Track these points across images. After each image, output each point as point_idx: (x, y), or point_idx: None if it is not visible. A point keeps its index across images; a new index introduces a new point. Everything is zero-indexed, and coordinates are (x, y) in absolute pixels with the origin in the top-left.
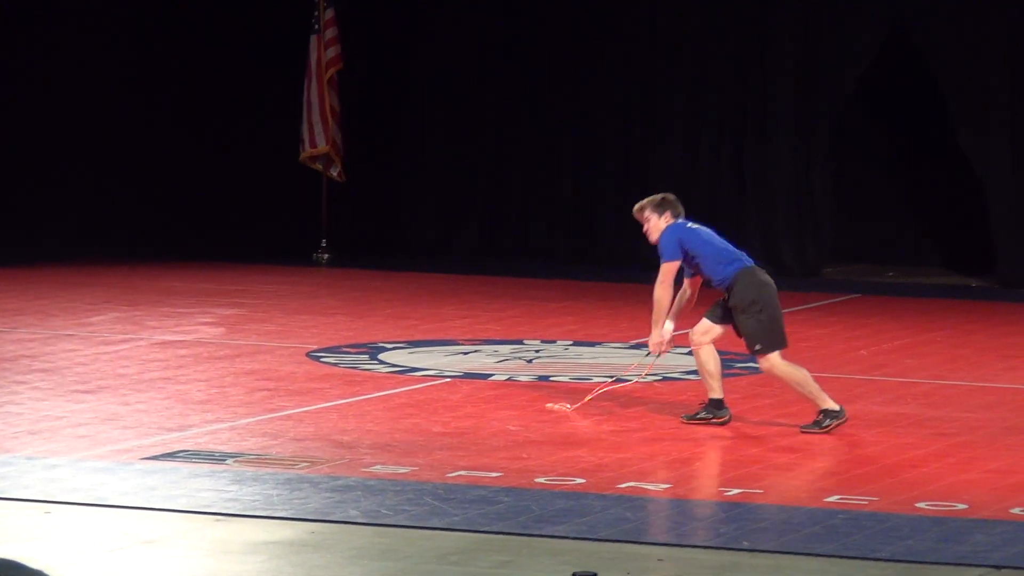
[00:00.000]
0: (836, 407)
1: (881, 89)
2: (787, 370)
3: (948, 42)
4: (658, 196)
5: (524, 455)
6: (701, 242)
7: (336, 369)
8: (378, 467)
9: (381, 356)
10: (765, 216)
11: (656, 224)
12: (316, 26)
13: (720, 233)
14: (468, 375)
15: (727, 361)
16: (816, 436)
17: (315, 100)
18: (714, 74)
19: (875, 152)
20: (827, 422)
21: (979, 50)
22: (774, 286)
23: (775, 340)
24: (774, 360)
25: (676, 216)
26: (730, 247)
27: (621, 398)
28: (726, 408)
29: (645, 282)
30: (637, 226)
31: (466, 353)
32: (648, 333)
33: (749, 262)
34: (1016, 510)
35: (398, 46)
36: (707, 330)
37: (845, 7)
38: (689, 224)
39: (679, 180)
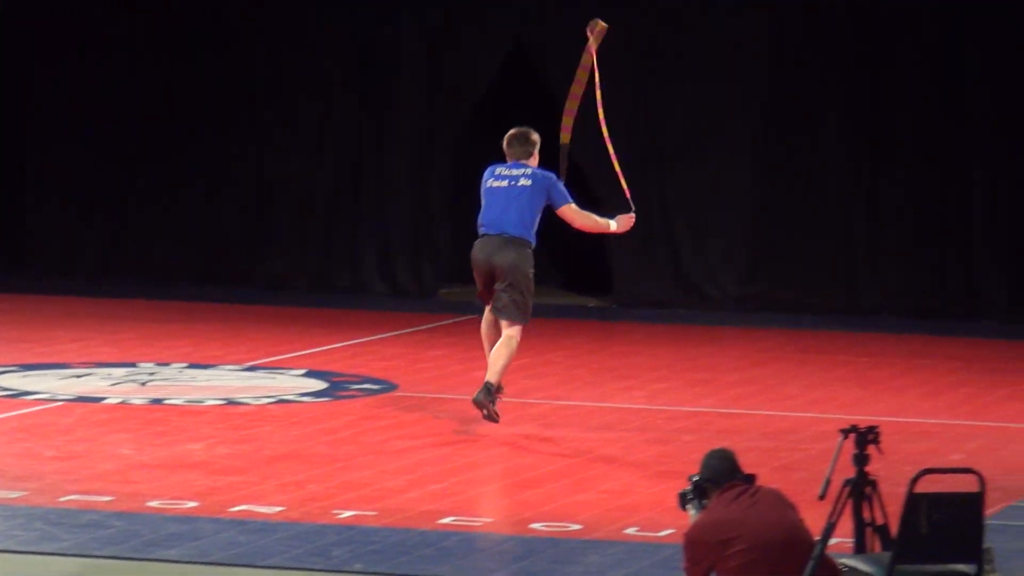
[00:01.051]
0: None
1: (500, 107)
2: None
3: (567, 59)
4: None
5: (136, 479)
6: (483, 191)
7: None
8: None
9: None
10: (382, 236)
11: None
12: None
13: (511, 194)
14: (81, 398)
15: (343, 383)
16: (432, 457)
17: None
18: (336, 91)
19: None
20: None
21: (599, 67)
22: (475, 255)
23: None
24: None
25: (507, 156)
26: (489, 212)
27: (234, 420)
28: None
29: (264, 303)
30: (260, 246)
31: (79, 376)
32: None
33: (484, 230)
34: (630, 530)
35: (18, 58)
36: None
37: (466, 24)
38: (497, 168)
39: (301, 196)
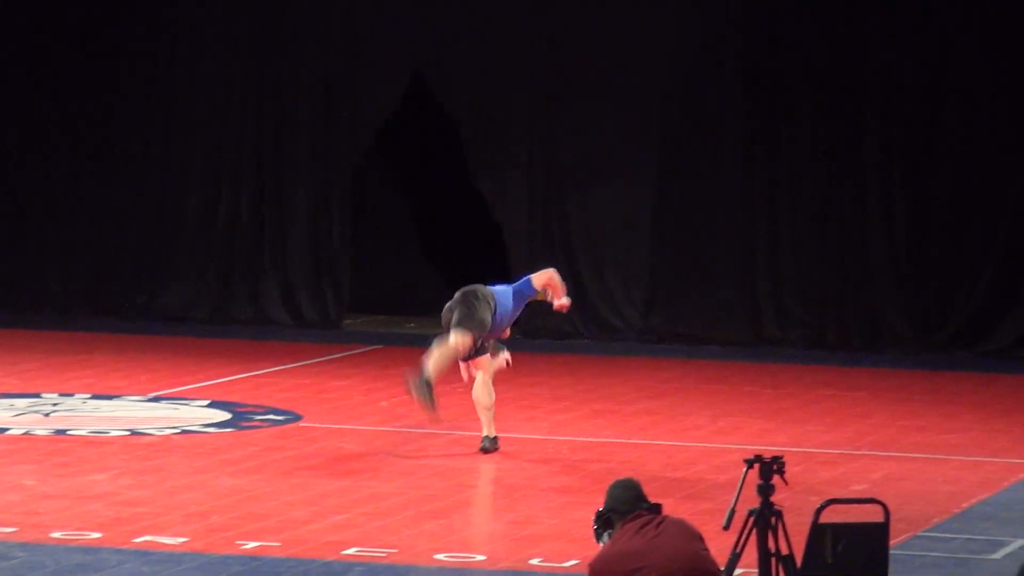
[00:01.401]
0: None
1: (400, 137)
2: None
3: (464, 89)
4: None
5: (40, 509)
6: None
7: None
8: None
9: None
10: (283, 267)
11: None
12: None
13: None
14: None
15: (247, 414)
16: (335, 488)
17: None
18: (235, 122)
19: (393, 201)
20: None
21: (495, 96)
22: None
23: None
24: None
25: None
26: None
27: (138, 451)
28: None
29: (164, 334)
30: (155, 277)
31: None
32: None
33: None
34: (535, 561)
35: None
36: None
37: (363, 56)
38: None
39: (199, 231)
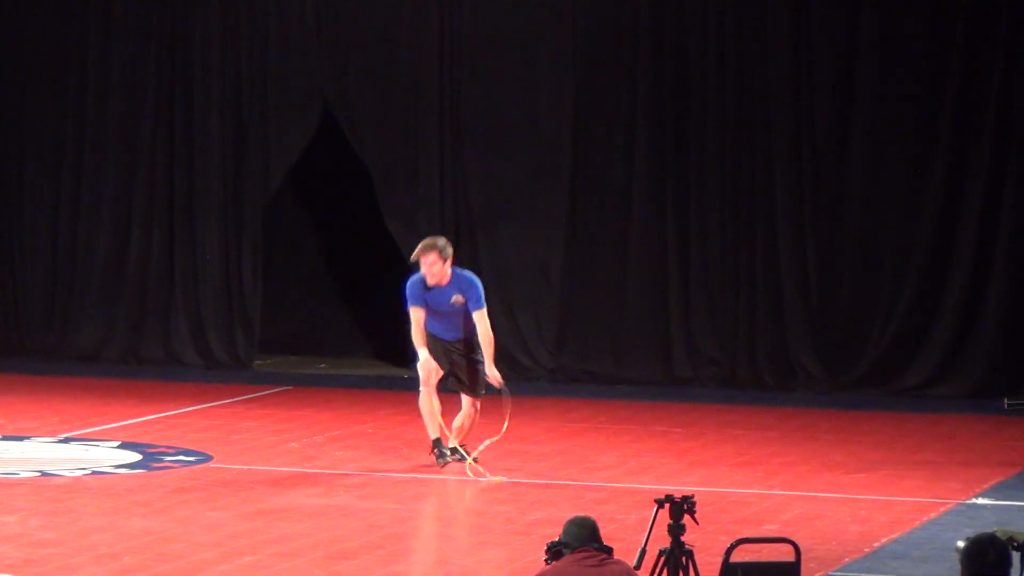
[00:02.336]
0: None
1: (311, 177)
2: None
3: (375, 129)
4: (441, 240)
5: None
6: None
7: None
8: None
9: None
10: (194, 307)
11: (444, 268)
12: None
13: None
14: None
15: (158, 455)
16: (245, 529)
17: None
18: (143, 161)
19: (304, 242)
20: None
21: (406, 136)
22: None
23: None
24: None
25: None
26: None
27: (49, 492)
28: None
29: (75, 374)
30: (66, 317)
31: None
32: None
33: None
34: None
35: None
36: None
37: (274, 95)
38: None
39: (110, 271)
